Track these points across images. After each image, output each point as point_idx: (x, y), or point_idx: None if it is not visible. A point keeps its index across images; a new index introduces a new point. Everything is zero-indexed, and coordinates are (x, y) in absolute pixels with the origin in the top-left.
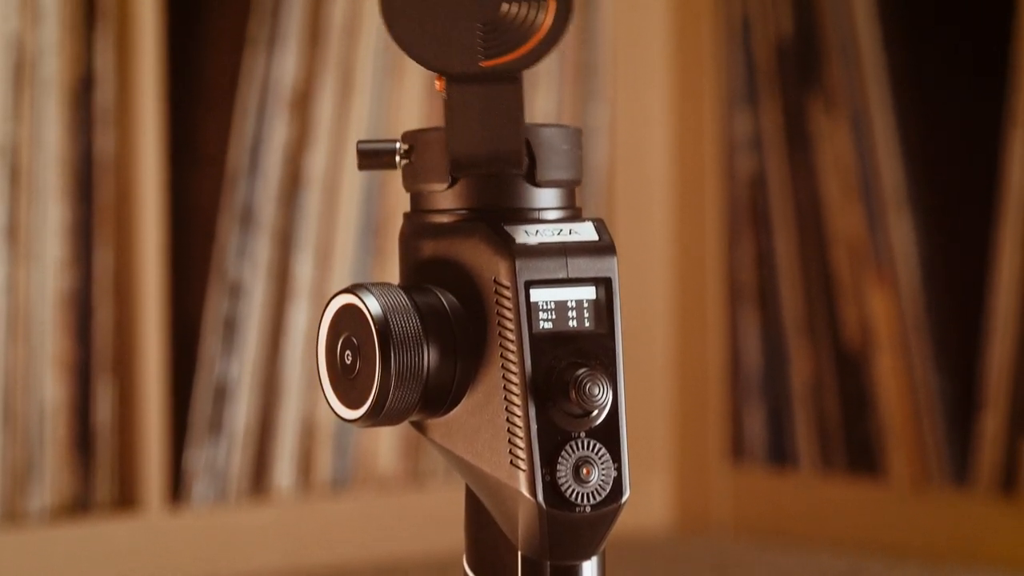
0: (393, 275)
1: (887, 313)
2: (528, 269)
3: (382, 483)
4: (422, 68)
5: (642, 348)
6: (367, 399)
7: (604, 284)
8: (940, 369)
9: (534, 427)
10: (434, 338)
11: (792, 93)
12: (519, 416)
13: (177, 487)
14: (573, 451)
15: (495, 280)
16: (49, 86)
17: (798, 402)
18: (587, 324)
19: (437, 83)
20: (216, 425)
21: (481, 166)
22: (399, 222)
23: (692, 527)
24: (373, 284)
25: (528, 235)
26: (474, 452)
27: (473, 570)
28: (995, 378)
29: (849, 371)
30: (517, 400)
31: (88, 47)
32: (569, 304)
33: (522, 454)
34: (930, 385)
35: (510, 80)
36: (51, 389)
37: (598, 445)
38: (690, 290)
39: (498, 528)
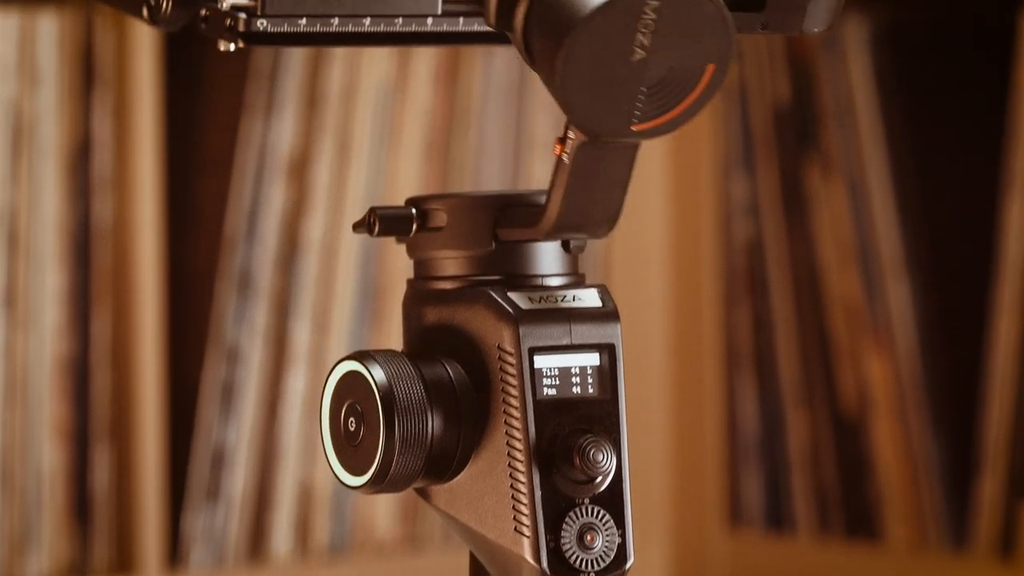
0: (391, 341)
1: (884, 378)
2: (532, 336)
3: (380, 548)
4: (420, 134)
5: (639, 413)
6: (371, 466)
7: (608, 350)
8: (938, 433)
9: (538, 494)
10: (438, 405)
11: (789, 158)
12: (523, 483)
13: (175, 552)
14: (577, 518)
15: (499, 347)
16: (47, 152)
17: (795, 467)
18: (591, 390)
19: (557, 147)
20: (214, 490)
21: (584, 229)
22: (397, 288)
23: None
24: (376, 351)
25: (532, 301)
26: (478, 519)
27: None
28: (993, 442)
29: (846, 436)
30: (521, 467)
31: (86, 112)
32: (573, 370)
33: (526, 520)
34: (928, 449)
35: (635, 143)
36: (48, 454)
37: (602, 511)
38: (687, 355)
39: None
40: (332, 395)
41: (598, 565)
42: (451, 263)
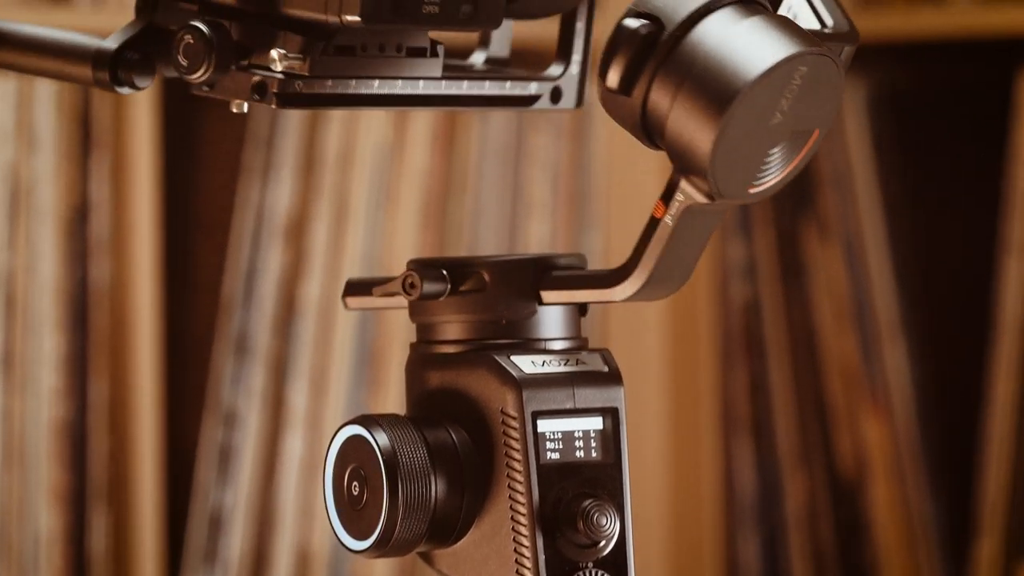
0: (388, 404)
1: (881, 440)
2: (535, 400)
3: None
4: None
5: (636, 474)
6: (375, 530)
7: (611, 414)
8: (935, 496)
9: (542, 558)
10: (442, 469)
11: (785, 220)
12: (527, 547)
13: None
14: None
15: (502, 411)
16: (45, 215)
17: (792, 530)
18: (594, 454)
19: (659, 209)
20: (211, 554)
21: (661, 291)
22: (394, 351)
23: None
24: (380, 415)
25: (535, 365)
26: None
27: None
28: (990, 505)
29: (844, 498)
30: (525, 531)
31: (84, 176)
32: (576, 434)
33: None
34: (925, 512)
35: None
36: (46, 518)
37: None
38: (684, 416)
39: None
40: (335, 459)
41: None
42: (454, 327)
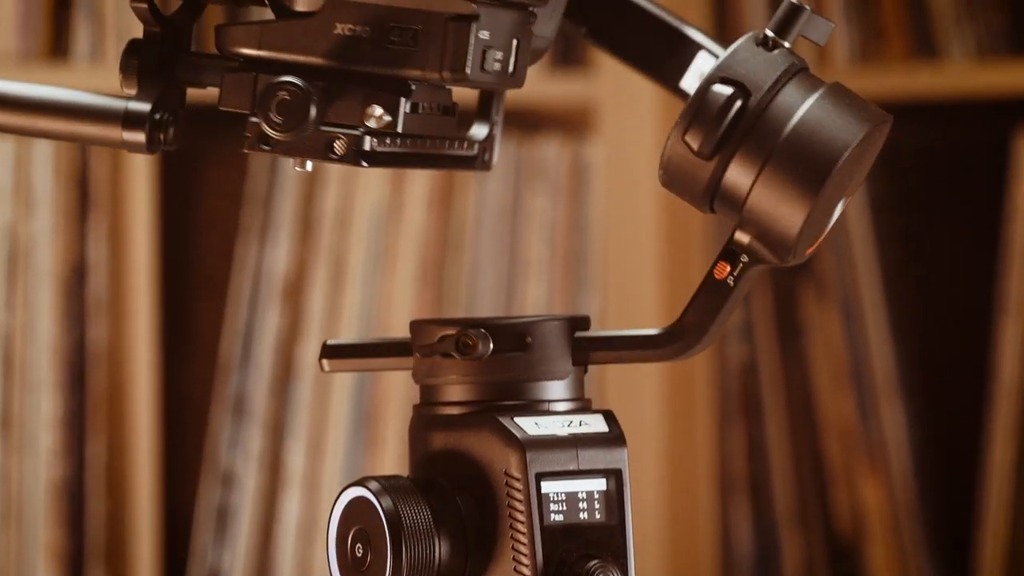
0: (386, 465)
1: (879, 500)
2: (539, 461)
3: None
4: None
5: (634, 535)
6: None
7: (615, 476)
8: (933, 557)
9: None
10: (445, 530)
11: (783, 281)
12: None
13: None
14: None
15: (506, 472)
16: (42, 275)
17: None
18: (598, 516)
19: (723, 269)
20: None
21: (709, 345)
22: (391, 412)
23: None
24: (383, 477)
25: (539, 427)
26: None
27: None
28: (988, 566)
29: (841, 558)
30: None
31: (81, 236)
32: (580, 496)
33: None
34: (923, 573)
35: None
36: None
37: None
38: (681, 477)
39: None
40: (339, 521)
41: None
42: (458, 389)
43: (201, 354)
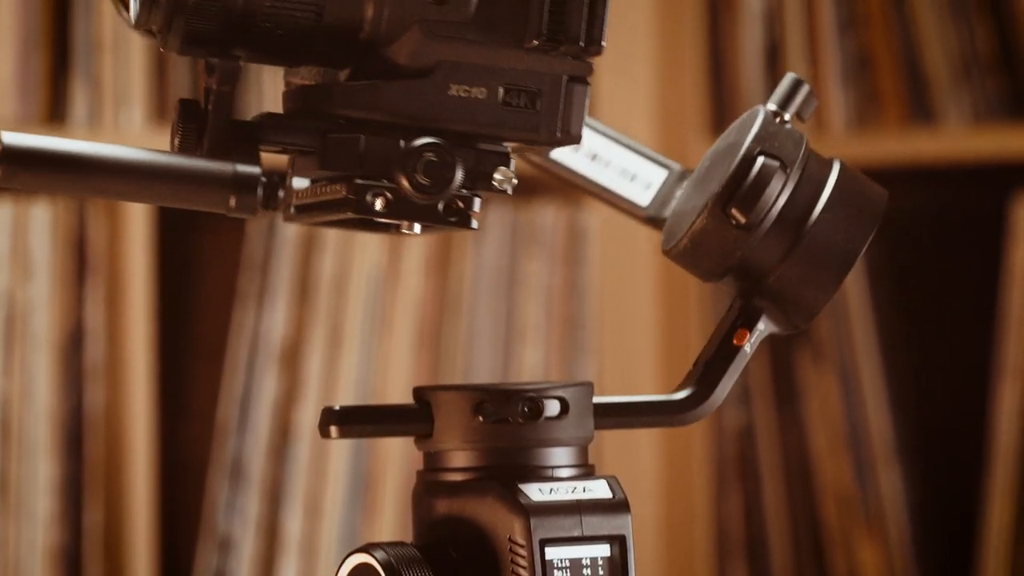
0: (383, 530)
1: (877, 565)
2: (543, 527)
3: None
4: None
5: None
6: None
7: (619, 542)
8: None
9: None
10: None
11: (780, 346)
12: None
13: None
14: None
15: (510, 539)
16: (39, 341)
17: None
18: None
19: (743, 336)
20: None
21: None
22: (389, 477)
23: None
24: (386, 543)
25: (543, 493)
26: None
27: None
28: None
29: None
30: None
31: (79, 301)
32: (584, 562)
33: None
34: None
35: None
36: None
37: None
38: (678, 541)
39: None
40: None
41: None
42: (461, 455)
43: (198, 419)
